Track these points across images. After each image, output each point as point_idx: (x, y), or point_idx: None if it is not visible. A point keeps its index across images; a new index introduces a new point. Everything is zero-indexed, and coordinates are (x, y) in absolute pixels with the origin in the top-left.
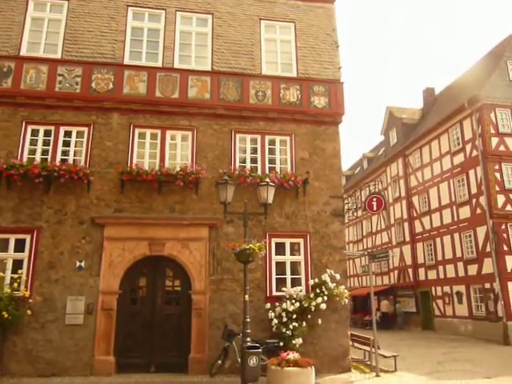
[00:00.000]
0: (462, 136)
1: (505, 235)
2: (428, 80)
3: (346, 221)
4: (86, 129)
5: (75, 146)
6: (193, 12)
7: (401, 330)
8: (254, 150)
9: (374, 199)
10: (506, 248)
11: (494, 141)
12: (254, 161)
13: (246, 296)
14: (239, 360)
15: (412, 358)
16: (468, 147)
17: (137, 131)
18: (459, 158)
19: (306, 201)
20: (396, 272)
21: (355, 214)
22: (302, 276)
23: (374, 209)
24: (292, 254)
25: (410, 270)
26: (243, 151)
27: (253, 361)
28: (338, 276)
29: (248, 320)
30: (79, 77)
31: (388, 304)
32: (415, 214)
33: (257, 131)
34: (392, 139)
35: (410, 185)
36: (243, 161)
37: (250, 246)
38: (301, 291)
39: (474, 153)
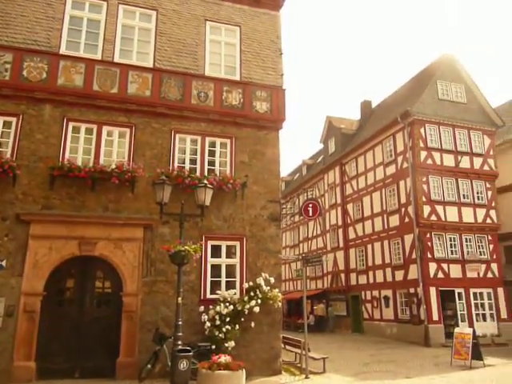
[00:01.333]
0: (395, 148)
1: (429, 243)
2: (366, 93)
3: (284, 225)
4: (14, 119)
5: (1, 137)
6: (136, 6)
7: (332, 333)
8: (194, 151)
9: (310, 205)
10: (429, 255)
11: (423, 154)
12: (193, 162)
13: (179, 298)
14: (170, 364)
15: (341, 360)
16: (399, 159)
17: (71, 125)
18: (391, 169)
19: (243, 204)
20: (329, 276)
21: (293, 219)
22: (237, 279)
23: (310, 214)
24: (228, 256)
25: (343, 275)
26: (183, 152)
27: (183, 364)
28: (272, 279)
29: (180, 323)
30: (9, 63)
31: (323, 308)
32: (349, 221)
33: (197, 132)
34: (330, 148)
35: (345, 192)
36: (182, 161)
37: (186, 247)
38: (235, 294)
39: (405, 165)
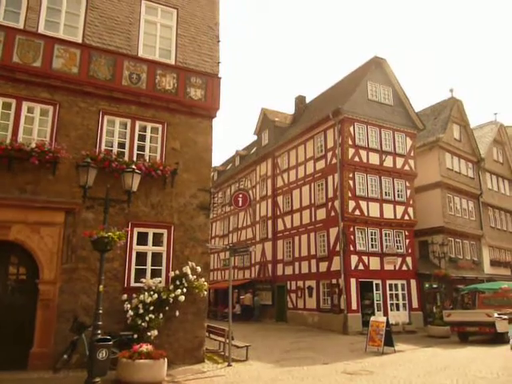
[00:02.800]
0: (325, 144)
1: (352, 237)
2: (301, 88)
3: (215, 215)
4: None
5: None
6: None
7: (258, 322)
8: (123, 135)
9: (240, 195)
10: (352, 248)
11: (351, 151)
12: (122, 146)
13: (101, 286)
14: (88, 353)
15: (263, 348)
16: (329, 155)
17: None
18: (321, 164)
19: (173, 192)
20: (257, 267)
21: (224, 208)
22: (163, 267)
23: (240, 204)
24: (155, 244)
25: (270, 266)
26: (111, 134)
27: (102, 354)
28: (199, 268)
29: (100, 311)
30: None
31: (250, 297)
32: (279, 213)
33: (127, 115)
34: (264, 140)
35: (276, 185)
36: (110, 145)
37: (109, 234)
38: (160, 282)
39: (334, 160)
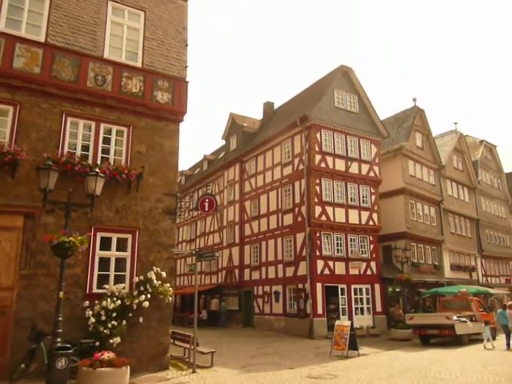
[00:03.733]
0: (293, 150)
1: (318, 242)
2: (269, 94)
3: (182, 220)
4: None
5: None
6: None
7: (224, 328)
8: (87, 138)
9: (207, 200)
10: (318, 253)
11: (318, 157)
12: (85, 149)
13: (61, 293)
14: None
15: (229, 354)
16: (296, 161)
17: None
18: (288, 170)
19: (138, 196)
20: (224, 272)
21: (191, 213)
22: (127, 273)
23: (206, 209)
24: (119, 249)
25: (237, 271)
26: (74, 136)
27: (61, 363)
28: (164, 274)
29: (60, 319)
30: None
31: (217, 302)
32: (246, 218)
33: (92, 117)
34: (232, 145)
35: (244, 190)
36: (73, 147)
37: (71, 239)
38: (124, 288)
39: (301, 166)
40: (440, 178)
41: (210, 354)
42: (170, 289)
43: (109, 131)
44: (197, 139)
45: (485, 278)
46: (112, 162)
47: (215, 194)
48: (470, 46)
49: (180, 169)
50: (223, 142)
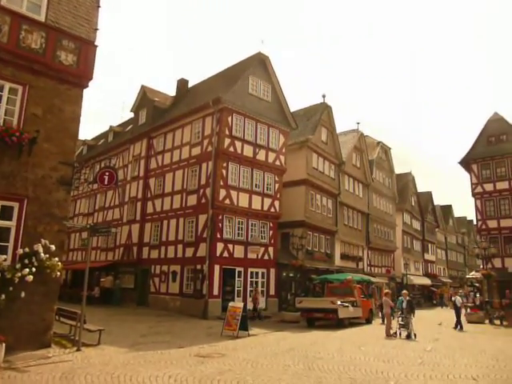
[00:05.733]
0: (203, 131)
1: (220, 224)
2: (184, 71)
3: (79, 192)
4: None
5: None
6: None
7: (118, 306)
8: None
9: (107, 173)
10: (219, 236)
11: (227, 141)
12: None
13: None
14: None
15: (119, 332)
16: (205, 142)
17: None
18: (196, 151)
19: (30, 162)
20: (122, 249)
21: (90, 186)
22: (11, 244)
23: (105, 183)
24: (3, 218)
25: (135, 248)
26: None
27: None
28: (53, 247)
29: None
30: None
31: (111, 280)
32: (149, 195)
33: None
34: (141, 119)
35: (149, 166)
36: None
37: None
38: (5, 260)
39: (209, 148)
40: (339, 172)
41: (98, 332)
42: (59, 263)
43: (1, 88)
44: (104, 109)
45: (369, 268)
46: (2, 121)
47: (118, 168)
48: (386, 55)
49: (82, 137)
50: (132, 115)
